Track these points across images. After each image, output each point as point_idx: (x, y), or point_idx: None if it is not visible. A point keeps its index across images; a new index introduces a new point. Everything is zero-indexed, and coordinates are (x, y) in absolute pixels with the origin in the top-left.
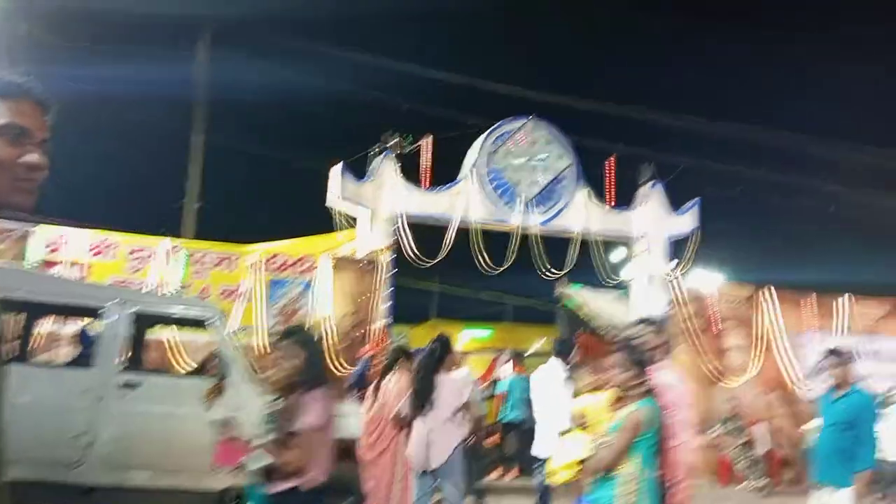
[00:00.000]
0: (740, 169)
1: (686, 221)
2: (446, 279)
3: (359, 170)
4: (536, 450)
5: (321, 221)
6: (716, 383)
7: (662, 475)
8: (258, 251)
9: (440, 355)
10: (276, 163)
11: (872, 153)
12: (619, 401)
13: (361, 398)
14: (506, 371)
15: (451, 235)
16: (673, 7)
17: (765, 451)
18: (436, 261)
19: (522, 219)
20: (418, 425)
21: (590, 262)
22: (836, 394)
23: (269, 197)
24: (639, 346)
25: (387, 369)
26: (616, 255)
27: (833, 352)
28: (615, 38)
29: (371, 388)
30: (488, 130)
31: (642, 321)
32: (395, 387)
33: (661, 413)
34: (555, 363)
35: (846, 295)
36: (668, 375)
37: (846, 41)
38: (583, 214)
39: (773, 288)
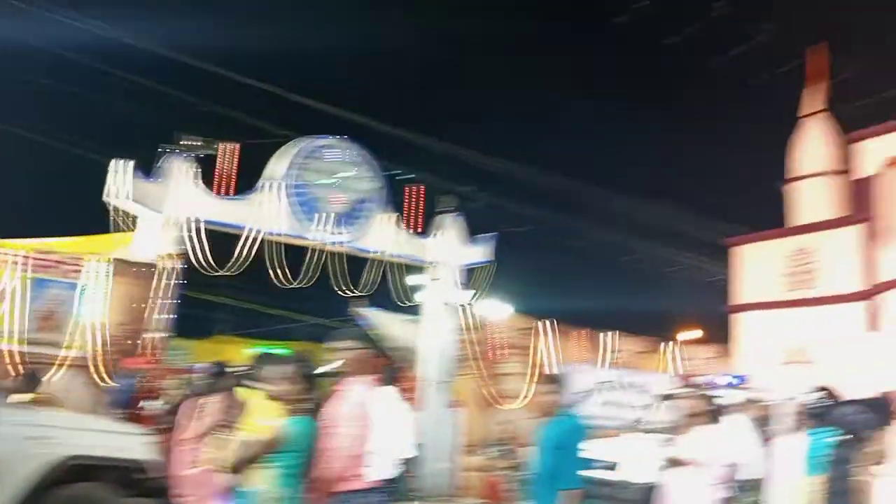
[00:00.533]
0: (536, 210)
1: (481, 253)
2: (239, 293)
3: (147, 168)
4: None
5: (97, 220)
6: (493, 406)
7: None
8: (22, 247)
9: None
10: (54, 153)
11: (652, 209)
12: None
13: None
14: None
15: (246, 246)
16: (491, 48)
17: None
18: (227, 272)
19: (323, 236)
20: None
21: (387, 284)
22: (548, 418)
23: (43, 189)
24: (308, 361)
25: (209, 387)
26: (413, 280)
27: (548, 378)
28: (439, 73)
29: (187, 406)
30: (297, 143)
31: (348, 337)
32: (215, 406)
33: (317, 432)
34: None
35: (613, 332)
36: (366, 391)
37: (638, 104)
38: (384, 237)
39: (551, 321)
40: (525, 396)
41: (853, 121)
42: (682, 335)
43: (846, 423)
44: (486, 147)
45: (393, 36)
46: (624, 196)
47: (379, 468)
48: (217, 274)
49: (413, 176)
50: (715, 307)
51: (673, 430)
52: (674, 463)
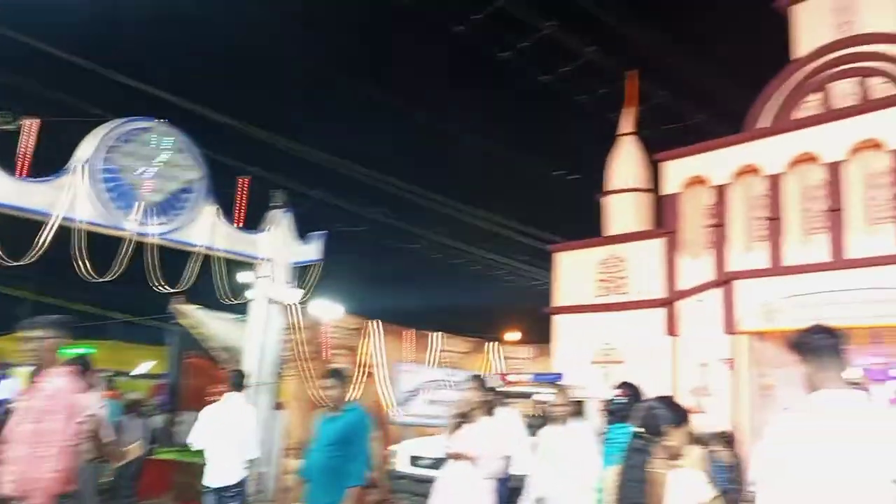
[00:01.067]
0: (370, 211)
1: (311, 251)
2: (42, 286)
3: None
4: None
5: None
6: (318, 408)
7: None
8: None
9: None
10: None
11: (483, 216)
12: None
13: None
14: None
15: (48, 234)
16: (332, 56)
17: None
18: (26, 262)
19: (138, 226)
20: None
21: (210, 280)
22: (333, 413)
23: None
24: None
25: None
26: (240, 277)
27: (329, 372)
28: (280, 66)
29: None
30: (111, 124)
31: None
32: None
33: None
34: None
35: (440, 332)
36: (61, 383)
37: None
38: (207, 231)
39: (380, 321)
40: (352, 395)
41: (662, 142)
42: (508, 335)
43: (645, 419)
44: (323, 145)
45: (228, 25)
46: (457, 201)
47: (229, 472)
48: (13, 264)
49: (241, 167)
50: (539, 310)
51: (451, 425)
52: (453, 456)
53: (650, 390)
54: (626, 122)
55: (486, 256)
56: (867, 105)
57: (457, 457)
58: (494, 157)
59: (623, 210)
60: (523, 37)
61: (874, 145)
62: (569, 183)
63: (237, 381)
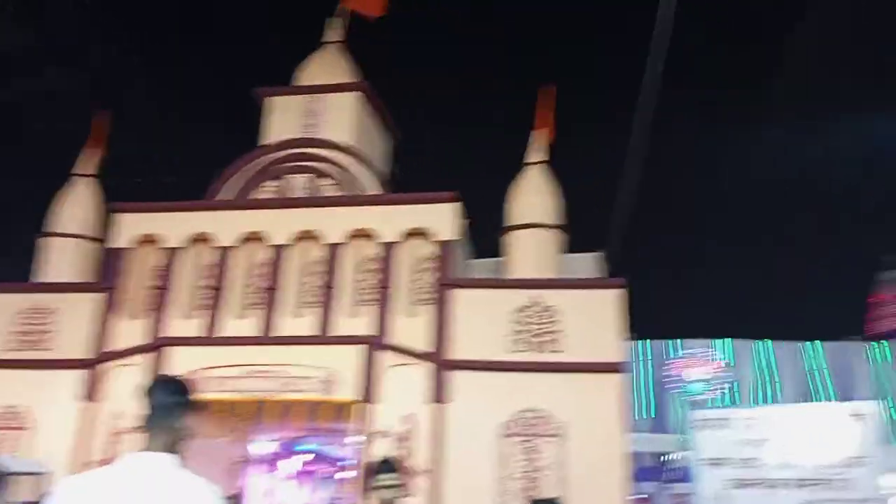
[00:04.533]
0: None
1: None
2: None
3: None
4: None
5: None
6: None
7: None
8: None
9: None
10: None
11: None
12: None
13: None
14: None
15: None
16: None
17: None
18: None
19: None
20: None
21: None
22: None
23: None
24: None
25: None
26: None
27: None
28: None
29: None
30: None
31: None
32: None
33: None
34: None
35: None
36: None
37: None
38: None
39: None
40: None
41: (128, 194)
42: None
43: None
44: None
45: None
46: None
47: None
48: None
49: None
50: None
51: None
52: None
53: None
54: (87, 164)
55: None
56: (311, 200)
57: None
58: None
59: (61, 257)
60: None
61: (312, 237)
62: None
63: None
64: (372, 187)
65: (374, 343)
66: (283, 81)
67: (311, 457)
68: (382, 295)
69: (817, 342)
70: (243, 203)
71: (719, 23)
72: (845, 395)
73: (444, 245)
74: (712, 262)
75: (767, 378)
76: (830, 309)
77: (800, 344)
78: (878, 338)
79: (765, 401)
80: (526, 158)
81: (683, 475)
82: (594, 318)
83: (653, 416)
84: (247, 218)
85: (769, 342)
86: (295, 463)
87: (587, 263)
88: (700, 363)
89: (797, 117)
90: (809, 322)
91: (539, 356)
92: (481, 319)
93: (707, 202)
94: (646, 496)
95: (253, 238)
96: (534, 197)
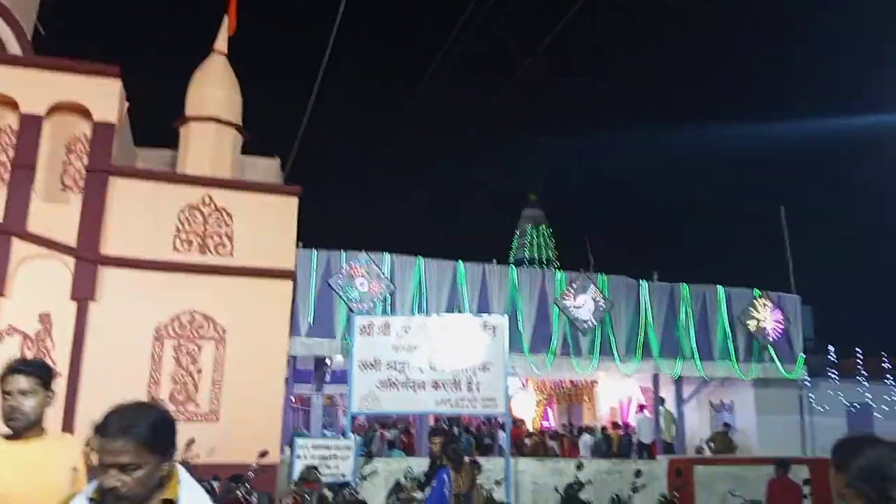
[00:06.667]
0: None
1: None
2: None
3: None
4: None
5: None
6: None
7: None
8: None
9: None
10: None
11: None
12: None
13: None
14: None
15: None
16: None
17: None
18: None
19: None
20: None
21: None
22: None
23: None
24: None
25: None
26: None
27: None
28: None
29: None
30: None
31: None
32: None
33: None
34: None
35: None
36: None
37: None
38: None
39: None
40: None
41: None
42: None
43: None
44: None
45: None
46: None
47: None
48: None
49: None
50: None
51: None
52: None
53: None
54: None
55: None
56: None
57: None
58: None
59: None
60: None
61: None
62: None
63: None
64: (14, 47)
65: (4, 230)
66: None
67: None
68: (19, 175)
69: (466, 263)
70: None
71: None
72: (482, 310)
73: (101, 126)
74: (384, 181)
75: (425, 291)
76: (478, 235)
77: (449, 262)
78: (517, 263)
79: (419, 312)
80: (214, 45)
81: (341, 377)
82: (267, 224)
83: (315, 322)
84: None
85: (423, 259)
86: None
87: (264, 168)
88: (363, 274)
89: None
90: (457, 244)
91: (205, 258)
92: (143, 214)
93: (384, 120)
94: (301, 397)
95: None
96: (218, 89)
